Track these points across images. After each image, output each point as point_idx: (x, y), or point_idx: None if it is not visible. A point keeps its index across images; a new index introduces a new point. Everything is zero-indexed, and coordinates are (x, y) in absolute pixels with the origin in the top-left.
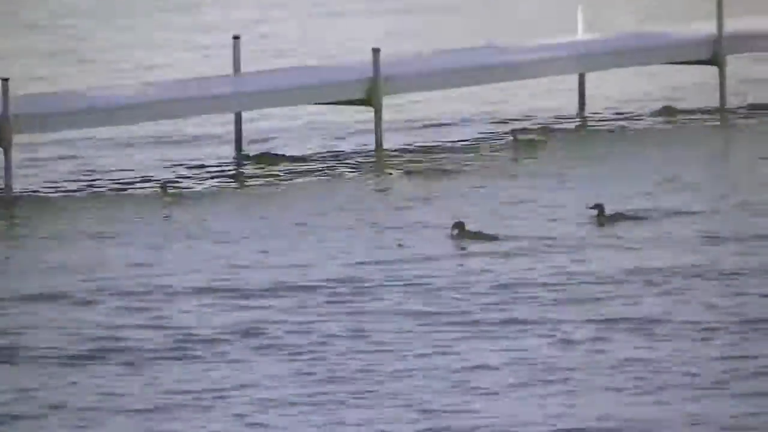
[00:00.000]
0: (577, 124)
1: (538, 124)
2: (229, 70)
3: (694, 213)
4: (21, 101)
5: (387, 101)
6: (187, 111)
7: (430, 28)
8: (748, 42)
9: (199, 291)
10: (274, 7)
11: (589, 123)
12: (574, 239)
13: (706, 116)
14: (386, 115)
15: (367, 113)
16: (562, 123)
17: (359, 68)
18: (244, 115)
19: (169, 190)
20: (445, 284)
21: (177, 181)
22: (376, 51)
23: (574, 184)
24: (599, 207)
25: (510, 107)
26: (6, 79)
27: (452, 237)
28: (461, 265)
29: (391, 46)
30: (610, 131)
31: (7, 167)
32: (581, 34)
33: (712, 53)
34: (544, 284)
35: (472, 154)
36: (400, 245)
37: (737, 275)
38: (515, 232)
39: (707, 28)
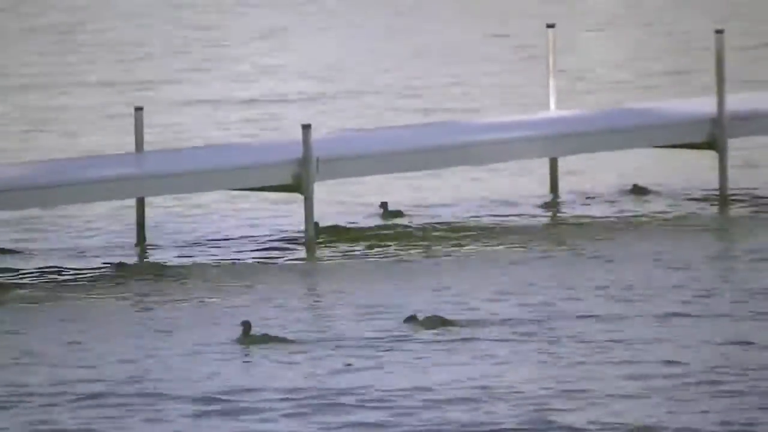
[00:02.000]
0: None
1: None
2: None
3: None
4: None
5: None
6: (80, 196)
7: (377, 103)
8: (753, 123)
9: None
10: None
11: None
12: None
13: (684, 207)
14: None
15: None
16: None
17: (286, 148)
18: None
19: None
20: None
21: None
22: (306, 128)
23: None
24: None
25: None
26: None
27: (238, 341)
28: None
29: (327, 123)
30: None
31: None
32: (553, 111)
33: (711, 136)
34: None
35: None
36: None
37: None
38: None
39: (704, 104)
